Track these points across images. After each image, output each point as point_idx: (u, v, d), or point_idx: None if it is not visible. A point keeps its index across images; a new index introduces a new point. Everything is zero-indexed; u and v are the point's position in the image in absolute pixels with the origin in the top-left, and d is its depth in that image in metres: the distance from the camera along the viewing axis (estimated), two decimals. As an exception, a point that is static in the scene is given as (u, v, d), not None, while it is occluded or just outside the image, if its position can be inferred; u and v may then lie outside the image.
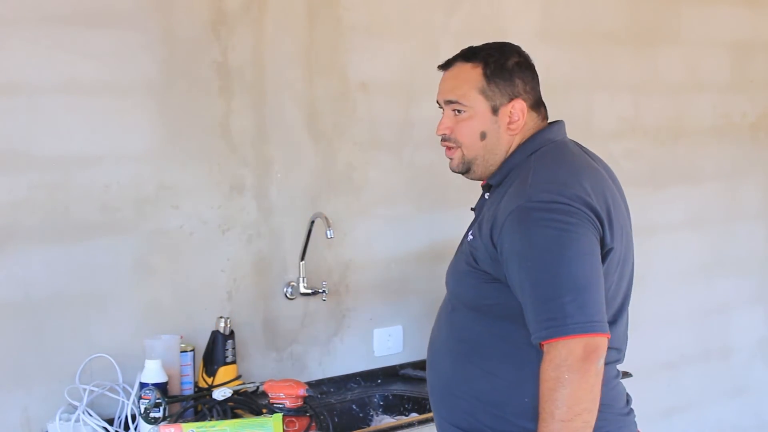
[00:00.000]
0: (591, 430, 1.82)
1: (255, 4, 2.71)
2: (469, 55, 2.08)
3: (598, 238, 1.90)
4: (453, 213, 3.01)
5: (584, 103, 3.43)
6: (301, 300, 2.84)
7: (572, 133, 2.12)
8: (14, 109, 2.36)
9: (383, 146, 2.99)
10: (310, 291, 2.82)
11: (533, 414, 1.90)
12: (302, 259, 2.81)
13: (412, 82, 3.02)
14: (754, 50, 3.94)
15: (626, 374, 2.47)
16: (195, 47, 2.62)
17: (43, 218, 2.41)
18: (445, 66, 2.13)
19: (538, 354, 1.90)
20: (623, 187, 2.10)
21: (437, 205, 3.10)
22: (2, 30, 2.34)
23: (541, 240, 1.87)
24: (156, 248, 2.58)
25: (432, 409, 2.17)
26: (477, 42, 2.11)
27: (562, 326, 1.81)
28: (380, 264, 3.00)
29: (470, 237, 2.03)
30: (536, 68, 2.09)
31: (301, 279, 2.82)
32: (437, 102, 2.12)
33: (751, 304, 4.07)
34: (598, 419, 1.85)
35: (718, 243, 3.92)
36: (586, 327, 1.82)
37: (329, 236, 2.69)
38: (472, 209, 2.18)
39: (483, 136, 2.05)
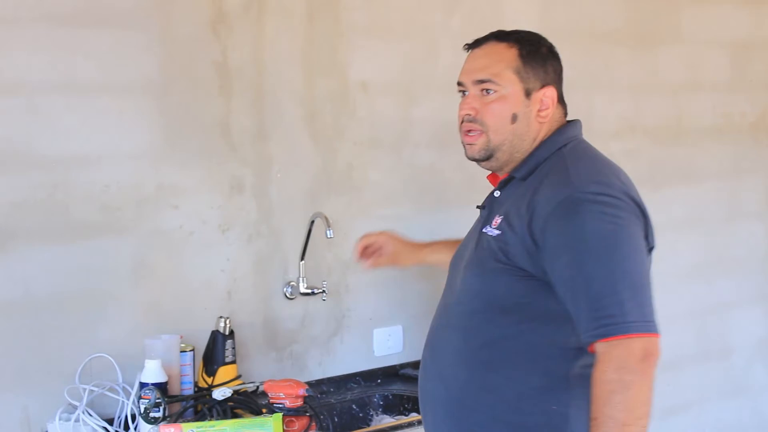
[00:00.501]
0: None
1: (255, 4, 2.71)
2: (501, 35, 2.00)
3: (644, 235, 1.85)
4: (453, 213, 3.02)
5: (584, 103, 3.43)
6: (301, 300, 2.84)
7: (572, 133, 2.12)
8: (14, 109, 2.37)
9: (383, 146, 2.99)
10: (310, 291, 2.82)
11: (560, 422, 1.85)
12: (302, 259, 2.81)
13: (412, 82, 3.02)
14: (754, 50, 3.94)
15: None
16: (195, 47, 2.62)
17: (43, 218, 2.41)
18: (475, 45, 2.02)
19: (569, 357, 1.85)
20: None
21: (437, 204, 3.10)
22: (2, 30, 2.34)
23: (595, 233, 1.78)
24: (156, 248, 2.58)
25: (429, 423, 2.04)
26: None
27: (622, 324, 1.72)
28: (380, 264, 3.00)
29: (494, 232, 1.93)
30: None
31: (301, 279, 2.82)
32: (459, 83, 2.02)
33: (751, 304, 4.07)
34: None
35: (718, 243, 3.92)
36: (645, 326, 1.74)
37: (329, 236, 2.68)
38: (478, 207, 2.10)
39: (514, 118, 1.95)
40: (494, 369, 1.91)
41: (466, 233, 2.17)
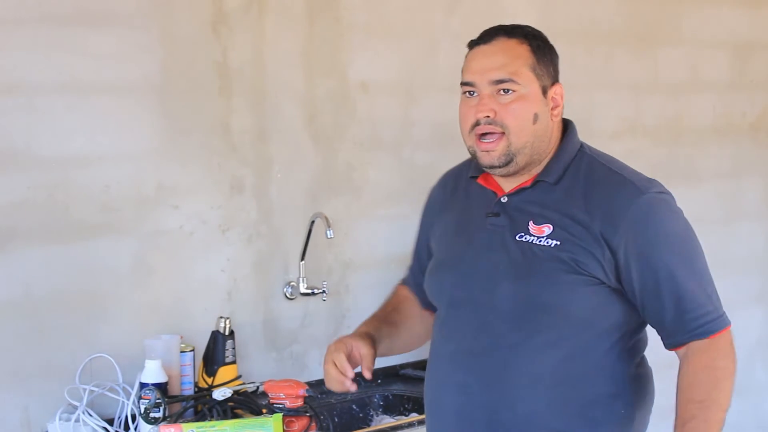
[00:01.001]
0: None
1: (255, 4, 2.71)
2: (509, 30, 1.89)
3: None
4: (453, 213, 3.01)
5: (584, 103, 3.43)
6: (301, 300, 2.84)
7: (572, 133, 2.11)
8: (14, 109, 2.37)
9: (383, 146, 2.99)
10: (310, 291, 2.82)
11: (626, 425, 1.88)
12: (302, 259, 2.81)
13: (412, 82, 3.02)
14: (754, 50, 3.94)
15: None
16: (195, 47, 2.62)
17: (43, 218, 2.41)
18: (482, 41, 1.88)
19: (628, 359, 1.87)
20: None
21: (437, 205, 3.09)
22: (2, 30, 2.34)
23: (675, 233, 1.83)
24: (156, 248, 2.58)
25: None
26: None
27: (718, 319, 1.81)
28: (380, 264, 3.00)
29: (549, 242, 1.81)
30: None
31: (301, 279, 2.82)
32: (467, 83, 1.86)
33: (751, 304, 4.07)
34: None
35: (718, 243, 3.91)
36: (728, 319, 1.83)
37: (329, 236, 2.69)
38: (490, 214, 1.90)
39: (536, 118, 1.83)
40: (564, 382, 1.84)
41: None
